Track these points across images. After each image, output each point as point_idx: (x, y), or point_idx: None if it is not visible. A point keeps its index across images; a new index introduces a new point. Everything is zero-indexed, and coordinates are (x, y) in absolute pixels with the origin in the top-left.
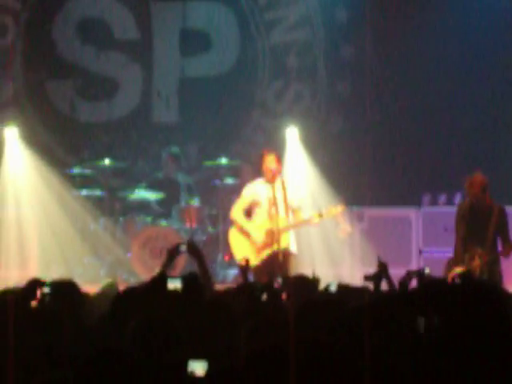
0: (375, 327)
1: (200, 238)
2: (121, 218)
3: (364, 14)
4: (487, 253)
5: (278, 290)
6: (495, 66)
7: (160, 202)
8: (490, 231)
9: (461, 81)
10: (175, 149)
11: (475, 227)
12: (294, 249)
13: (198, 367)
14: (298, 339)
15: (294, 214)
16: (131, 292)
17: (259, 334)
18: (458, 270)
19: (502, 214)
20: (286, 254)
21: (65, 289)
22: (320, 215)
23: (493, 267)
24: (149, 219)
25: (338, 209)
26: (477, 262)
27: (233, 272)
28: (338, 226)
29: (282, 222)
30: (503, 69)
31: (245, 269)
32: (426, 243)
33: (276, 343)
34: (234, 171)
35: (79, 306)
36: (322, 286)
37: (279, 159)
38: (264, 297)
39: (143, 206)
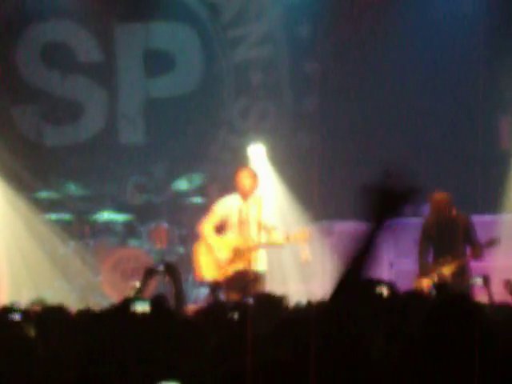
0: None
1: (170, 259)
2: (90, 241)
3: (326, 28)
4: (456, 262)
5: (248, 308)
6: (458, 76)
7: (128, 224)
8: (457, 242)
9: (424, 92)
10: (140, 178)
11: (443, 241)
12: (262, 267)
13: None
14: (259, 359)
15: (268, 233)
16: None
17: (226, 353)
18: (428, 281)
19: (468, 224)
20: (253, 273)
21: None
22: (287, 239)
23: (461, 278)
24: (118, 241)
25: (305, 234)
26: (447, 270)
27: (204, 291)
28: (301, 250)
29: (251, 240)
30: (466, 79)
31: (215, 288)
32: (396, 255)
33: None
34: (202, 190)
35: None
36: (293, 303)
37: (255, 176)
38: (235, 316)
39: (112, 229)
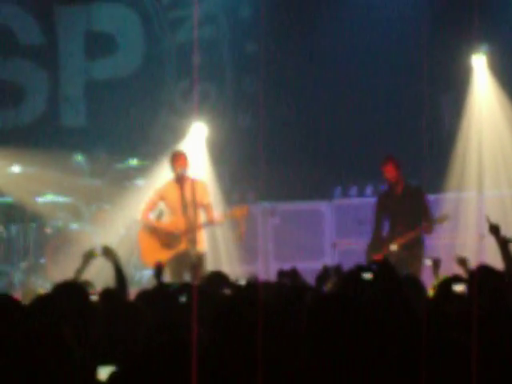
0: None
1: (113, 240)
2: (33, 224)
3: (267, 9)
4: (408, 235)
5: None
6: (402, 57)
7: (70, 207)
8: (410, 214)
9: (367, 73)
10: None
11: (396, 213)
12: (203, 248)
13: (104, 372)
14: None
15: (206, 212)
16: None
17: (162, 332)
18: (375, 256)
19: (420, 194)
20: (197, 254)
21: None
22: (225, 215)
23: (411, 251)
24: (60, 224)
25: (243, 210)
26: (398, 243)
27: (148, 273)
28: (235, 228)
29: (191, 221)
30: (410, 59)
31: (159, 270)
32: (339, 236)
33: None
34: (143, 172)
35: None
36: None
37: (187, 159)
38: (183, 298)
39: (54, 211)
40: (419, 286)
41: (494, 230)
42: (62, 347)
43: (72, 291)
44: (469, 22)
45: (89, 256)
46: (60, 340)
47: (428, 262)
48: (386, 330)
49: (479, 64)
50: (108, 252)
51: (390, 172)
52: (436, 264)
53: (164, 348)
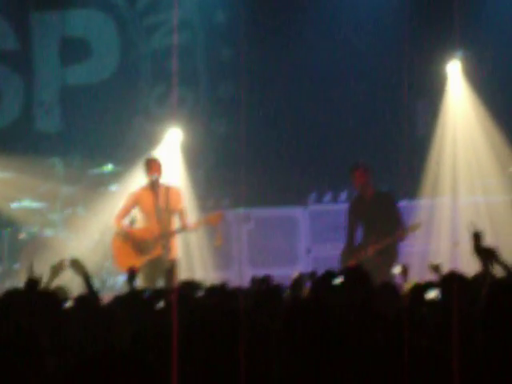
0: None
1: (87, 246)
2: (7, 230)
3: (242, 15)
4: (384, 241)
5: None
6: (378, 63)
7: (44, 212)
8: (382, 220)
9: (343, 79)
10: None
11: (367, 217)
12: (177, 255)
13: None
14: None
15: (180, 218)
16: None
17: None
18: (349, 263)
19: (390, 199)
20: (170, 260)
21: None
22: (199, 222)
23: (383, 257)
24: (35, 229)
25: (217, 216)
26: (370, 251)
27: (121, 278)
28: (214, 233)
29: (164, 228)
30: (386, 66)
31: (132, 276)
32: (314, 242)
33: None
34: (118, 178)
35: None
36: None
37: (160, 166)
38: (161, 304)
39: (29, 217)
40: (395, 293)
41: (477, 238)
42: (36, 354)
43: (44, 299)
44: (444, 28)
45: (57, 268)
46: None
47: (396, 270)
48: (356, 336)
49: (454, 70)
50: (76, 265)
51: (358, 177)
52: (404, 271)
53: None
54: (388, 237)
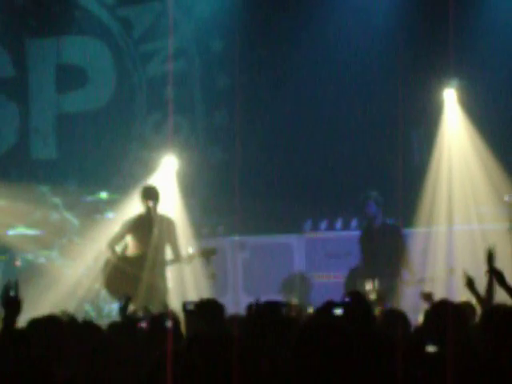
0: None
1: (83, 273)
2: (2, 257)
3: (238, 43)
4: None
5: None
6: (374, 91)
7: (40, 239)
8: (387, 252)
9: (339, 107)
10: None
11: (374, 247)
12: (167, 283)
13: None
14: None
15: (172, 250)
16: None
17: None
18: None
19: (398, 234)
20: (159, 289)
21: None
22: (193, 255)
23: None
24: (30, 256)
25: (210, 251)
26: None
27: (117, 306)
28: (206, 267)
29: (157, 257)
30: (382, 94)
31: (126, 303)
32: (309, 269)
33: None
34: (113, 206)
35: None
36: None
37: (158, 194)
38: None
39: (24, 244)
40: (403, 319)
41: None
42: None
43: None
44: (439, 56)
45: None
46: (48, 376)
47: (368, 286)
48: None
49: (449, 99)
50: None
51: (369, 208)
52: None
53: None
54: (394, 275)
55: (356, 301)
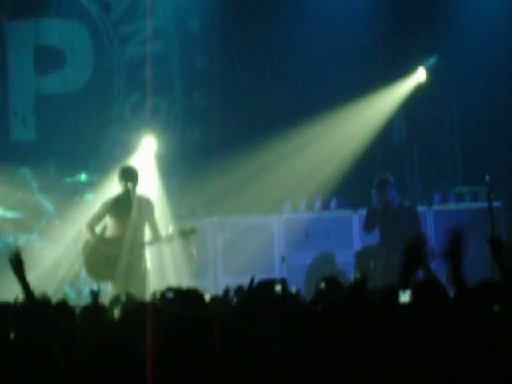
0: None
1: (63, 255)
2: None
3: (216, 23)
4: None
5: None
6: (356, 70)
7: (19, 221)
8: (400, 230)
9: (321, 86)
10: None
11: (388, 226)
12: (147, 264)
13: None
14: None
15: (151, 230)
16: None
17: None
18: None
19: (413, 213)
20: (139, 270)
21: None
22: (172, 234)
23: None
24: (10, 238)
25: (191, 230)
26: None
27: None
28: (186, 247)
29: (136, 237)
30: (364, 74)
31: (96, 293)
32: (288, 250)
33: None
34: (93, 187)
35: None
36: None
37: (137, 175)
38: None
39: (3, 226)
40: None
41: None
42: (50, 361)
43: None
44: (419, 36)
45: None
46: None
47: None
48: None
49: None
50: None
51: (389, 192)
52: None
53: None
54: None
55: (332, 286)
